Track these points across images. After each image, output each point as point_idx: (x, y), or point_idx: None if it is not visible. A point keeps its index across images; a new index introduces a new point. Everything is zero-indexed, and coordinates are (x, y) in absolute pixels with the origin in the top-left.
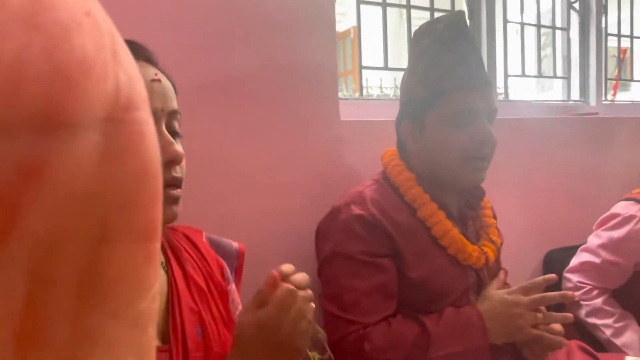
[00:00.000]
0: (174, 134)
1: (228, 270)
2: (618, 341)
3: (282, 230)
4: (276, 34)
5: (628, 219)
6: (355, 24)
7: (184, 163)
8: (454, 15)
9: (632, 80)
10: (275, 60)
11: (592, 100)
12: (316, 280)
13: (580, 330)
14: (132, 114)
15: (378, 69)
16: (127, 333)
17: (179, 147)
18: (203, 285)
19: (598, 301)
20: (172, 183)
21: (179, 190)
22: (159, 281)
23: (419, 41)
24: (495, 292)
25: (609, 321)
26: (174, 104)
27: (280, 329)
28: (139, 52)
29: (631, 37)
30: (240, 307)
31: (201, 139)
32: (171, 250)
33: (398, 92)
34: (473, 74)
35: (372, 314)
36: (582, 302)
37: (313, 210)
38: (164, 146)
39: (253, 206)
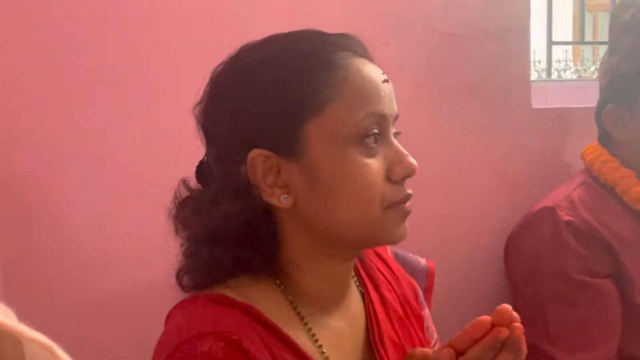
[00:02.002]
0: (395, 135)
1: (421, 293)
2: None
3: (461, 238)
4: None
5: None
6: None
7: None
8: None
9: None
10: (455, 39)
11: None
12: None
13: None
14: None
15: (571, 43)
16: None
17: (413, 159)
18: (400, 311)
19: None
20: (405, 201)
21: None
22: None
23: (620, 15)
24: None
25: None
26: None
27: None
28: (358, 46)
29: None
30: (435, 335)
31: None
32: (364, 270)
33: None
34: None
35: (587, 353)
36: None
37: (499, 216)
38: (398, 159)
39: (427, 211)
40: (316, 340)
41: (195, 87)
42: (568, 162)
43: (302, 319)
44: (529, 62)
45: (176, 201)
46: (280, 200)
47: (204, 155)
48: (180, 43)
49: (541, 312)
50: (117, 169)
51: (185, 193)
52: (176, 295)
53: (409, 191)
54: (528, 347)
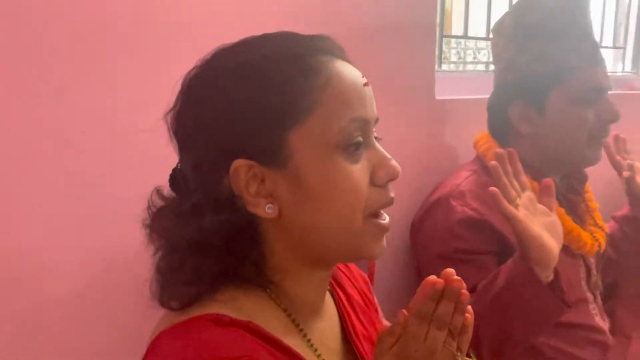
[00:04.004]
0: (376, 140)
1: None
2: None
3: None
4: None
5: None
6: None
7: None
8: None
9: None
10: (368, 32)
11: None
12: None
13: None
14: None
15: (459, 37)
16: None
17: (395, 162)
18: (362, 303)
19: None
20: (388, 205)
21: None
22: None
23: (526, 17)
24: None
25: None
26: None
27: None
28: (335, 48)
29: None
30: (383, 320)
31: None
32: None
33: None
34: (595, 48)
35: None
36: None
37: (404, 200)
38: (382, 162)
39: None
40: (312, 345)
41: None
42: (472, 149)
43: (297, 325)
44: (434, 55)
45: (150, 211)
46: (265, 210)
47: (178, 163)
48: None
49: None
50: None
51: (158, 202)
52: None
53: (392, 195)
54: None
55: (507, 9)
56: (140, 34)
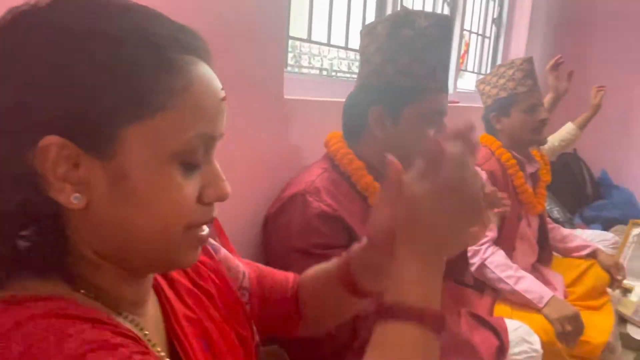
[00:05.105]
0: None
1: (211, 244)
2: (520, 288)
3: (220, 215)
4: None
5: None
6: None
7: None
8: (444, 18)
9: (473, 71)
10: (214, 19)
11: (451, 89)
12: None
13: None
14: None
15: (304, 40)
16: None
17: (227, 184)
18: (188, 283)
19: (500, 257)
20: (207, 224)
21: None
22: None
23: (399, 30)
24: None
25: (510, 272)
26: None
27: (463, 190)
28: (202, 49)
29: (470, 32)
30: (244, 268)
31: None
32: None
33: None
34: (447, 76)
35: None
36: (486, 263)
37: (254, 194)
38: (214, 182)
39: None
40: (137, 325)
41: None
42: (316, 148)
43: (115, 309)
44: (284, 55)
45: None
46: (69, 199)
47: None
48: None
49: None
50: None
51: None
52: None
53: (214, 213)
54: None
55: (346, 19)
56: None
